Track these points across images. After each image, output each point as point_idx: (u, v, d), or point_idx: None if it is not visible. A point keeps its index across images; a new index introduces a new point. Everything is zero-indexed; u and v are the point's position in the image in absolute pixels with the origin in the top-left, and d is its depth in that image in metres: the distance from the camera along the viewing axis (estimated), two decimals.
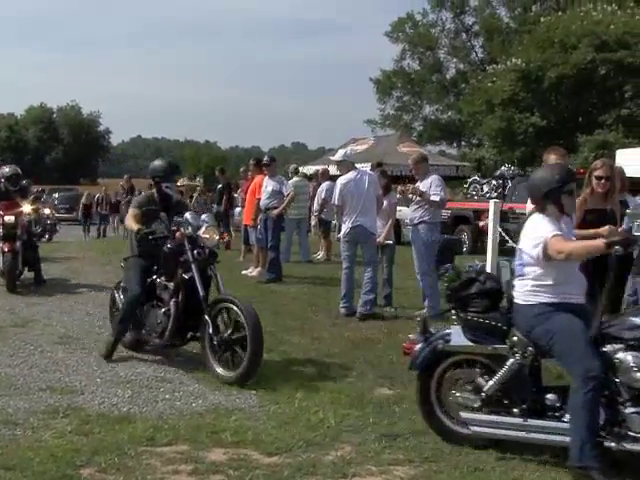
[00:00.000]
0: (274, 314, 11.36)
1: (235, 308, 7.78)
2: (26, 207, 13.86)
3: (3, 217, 13.40)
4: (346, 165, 11.91)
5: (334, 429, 6.30)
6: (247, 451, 5.75)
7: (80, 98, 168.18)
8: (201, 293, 7.94)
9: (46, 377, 7.82)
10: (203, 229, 8.31)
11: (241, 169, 21.58)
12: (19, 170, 14.28)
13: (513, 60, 40.42)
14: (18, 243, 13.37)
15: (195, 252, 8.11)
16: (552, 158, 7.58)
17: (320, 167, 24.18)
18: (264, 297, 12.93)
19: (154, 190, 9.08)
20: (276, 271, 15.17)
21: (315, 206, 19.62)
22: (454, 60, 58.50)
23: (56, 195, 44.45)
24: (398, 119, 57.07)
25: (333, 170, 22.03)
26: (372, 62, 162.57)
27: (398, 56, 57.20)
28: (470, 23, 57.51)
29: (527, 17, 49.53)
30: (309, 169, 25.64)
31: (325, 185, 18.84)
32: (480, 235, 20.29)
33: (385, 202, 12.26)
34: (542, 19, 43.20)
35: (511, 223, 19.07)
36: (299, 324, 10.80)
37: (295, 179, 19.17)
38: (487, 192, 24.98)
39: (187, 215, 8.50)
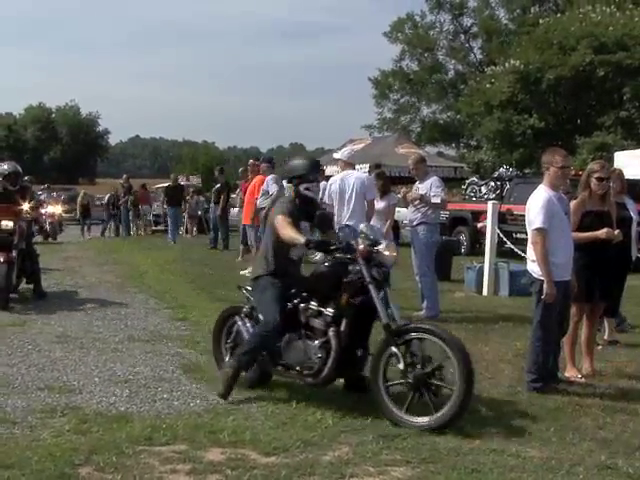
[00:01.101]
0: None
1: (433, 338, 6.42)
2: (24, 206, 12.58)
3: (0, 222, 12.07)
4: (346, 164, 11.92)
5: (332, 429, 6.27)
6: (245, 451, 5.73)
7: (79, 98, 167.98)
8: (384, 320, 6.55)
9: (44, 376, 7.81)
10: (384, 244, 7.05)
11: (240, 170, 21.53)
12: (19, 168, 12.89)
13: (512, 62, 40.43)
14: (14, 252, 11.98)
15: (374, 271, 6.78)
16: (558, 160, 7.57)
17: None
18: None
19: (293, 193, 7.51)
20: None
21: None
22: (453, 61, 58.57)
23: (54, 195, 44.29)
24: (396, 122, 57.01)
25: (330, 171, 22.04)
26: (371, 64, 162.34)
27: (397, 56, 57.25)
28: (469, 24, 57.62)
29: (526, 19, 49.65)
30: None
31: (322, 185, 18.86)
32: (478, 236, 20.34)
33: (383, 203, 12.28)
34: (541, 21, 43.32)
35: (509, 224, 19.15)
36: None
37: None
38: (485, 194, 25.01)
39: (362, 226, 7.46)
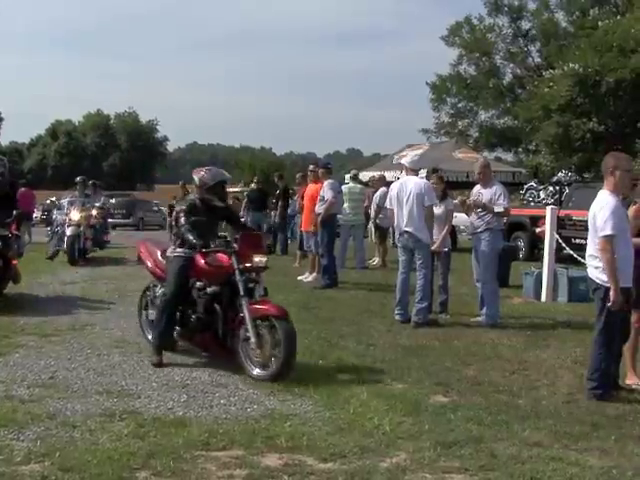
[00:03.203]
0: (329, 320, 11.52)
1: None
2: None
3: None
4: (408, 170, 11.94)
5: (389, 436, 6.25)
6: (302, 457, 5.73)
7: (137, 106, 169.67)
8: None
9: (103, 380, 7.89)
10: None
11: (298, 175, 21.50)
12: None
13: (570, 65, 39.99)
14: None
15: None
16: (624, 163, 7.47)
17: (376, 173, 24.19)
18: (319, 303, 13.11)
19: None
20: (331, 277, 15.20)
21: (372, 212, 19.67)
22: (511, 65, 57.94)
23: (113, 201, 44.81)
24: (453, 126, 56.73)
25: (389, 176, 22.03)
26: (428, 68, 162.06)
27: (455, 61, 56.91)
28: (527, 28, 57.01)
29: (585, 21, 48.83)
30: (364, 175, 25.62)
31: (380, 191, 18.91)
32: (537, 242, 20.13)
33: (441, 208, 12.20)
34: (600, 23, 42.69)
35: (568, 230, 18.92)
36: (354, 330, 10.78)
37: (350, 184, 19.20)
38: (544, 198, 24.80)
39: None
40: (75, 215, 19.42)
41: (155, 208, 51.94)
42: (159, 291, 9.19)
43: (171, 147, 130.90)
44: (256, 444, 5.97)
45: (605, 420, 6.80)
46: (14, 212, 12.24)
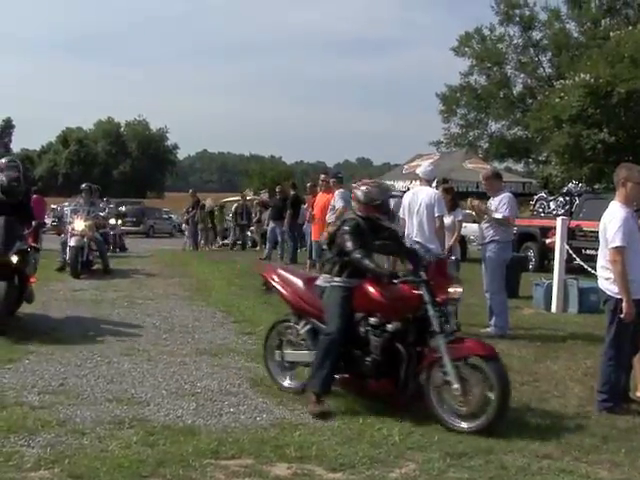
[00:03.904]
0: None
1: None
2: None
3: None
4: (422, 180, 11.96)
5: (398, 446, 6.24)
6: (311, 466, 5.73)
7: (146, 113, 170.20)
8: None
9: (112, 388, 7.89)
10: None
11: (308, 184, 21.47)
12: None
13: (581, 75, 39.78)
14: None
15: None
16: (637, 175, 7.45)
17: (387, 183, 24.20)
18: None
19: None
20: None
21: None
22: (521, 75, 57.84)
23: (123, 208, 44.84)
24: (464, 137, 56.57)
25: (399, 186, 22.02)
26: (437, 78, 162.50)
27: (465, 71, 56.84)
28: (538, 38, 56.90)
29: (596, 31, 48.82)
30: None
31: (391, 201, 18.87)
32: (547, 253, 20.09)
33: (450, 218, 12.18)
34: (612, 33, 42.55)
35: (578, 241, 18.87)
36: None
37: None
38: (554, 209, 24.73)
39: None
40: (79, 225, 18.52)
41: (165, 216, 52.10)
42: (304, 328, 7.80)
43: (181, 155, 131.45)
44: (265, 453, 5.96)
45: (615, 433, 6.77)
46: (32, 222, 11.58)
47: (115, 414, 6.95)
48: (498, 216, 11.33)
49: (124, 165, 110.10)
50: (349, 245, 7.26)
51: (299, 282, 8.04)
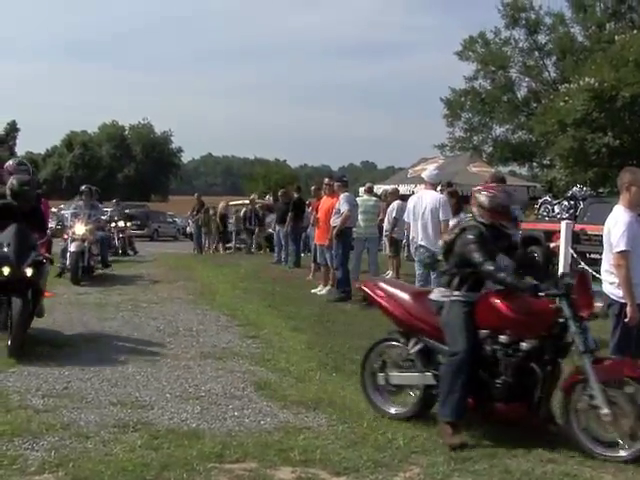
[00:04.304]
0: (343, 333, 11.43)
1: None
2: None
3: None
4: (427, 184, 11.92)
5: (403, 450, 6.23)
6: (315, 470, 5.74)
7: (151, 116, 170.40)
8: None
9: (117, 391, 7.90)
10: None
11: (312, 188, 21.47)
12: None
13: (586, 79, 39.78)
14: None
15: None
16: None
17: (390, 187, 24.19)
18: (333, 316, 13.06)
19: None
20: (345, 290, 15.19)
21: (386, 225, 19.67)
22: (526, 79, 57.95)
23: (127, 211, 44.86)
24: (468, 141, 56.72)
25: (403, 189, 22.01)
26: (442, 81, 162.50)
27: (470, 75, 56.85)
28: (543, 42, 57.02)
29: (601, 35, 48.99)
30: (379, 188, 25.62)
31: (395, 204, 18.99)
32: (551, 257, 20.02)
33: (454, 222, 12.05)
34: (617, 37, 42.74)
35: (583, 245, 18.82)
36: (368, 344, 10.57)
37: (364, 197, 19.20)
38: (558, 213, 24.67)
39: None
40: (79, 229, 17.98)
41: (170, 219, 52.17)
42: (414, 347, 7.16)
43: (185, 159, 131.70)
44: (269, 457, 5.97)
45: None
46: (47, 231, 11.28)
47: (119, 417, 6.97)
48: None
49: (128, 168, 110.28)
50: (477, 256, 6.67)
51: (406, 296, 7.40)
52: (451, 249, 7.01)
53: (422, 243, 11.23)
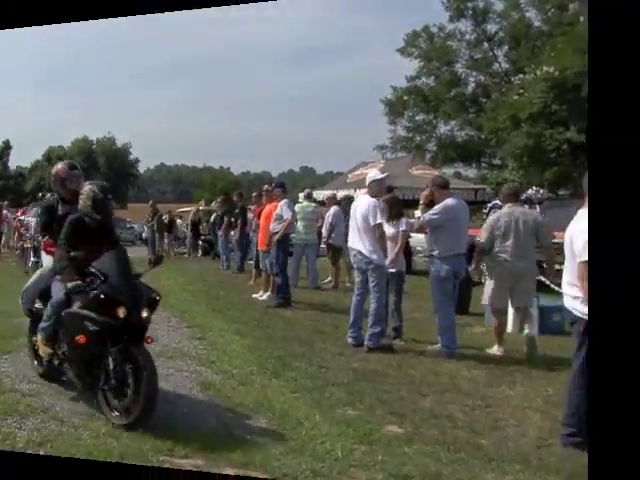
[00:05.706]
0: (282, 339, 11.78)
1: None
2: None
3: None
4: (369, 189, 11.65)
5: (342, 462, 6.22)
6: (257, 474, 5.90)
7: (114, 131, 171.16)
8: None
9: None
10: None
11: (253, 194, 21.79)
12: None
13: (544, 68, 36.67)
14: None
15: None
16: None
17: (329, 192, 24.11)
18: (272, 322, 13.43)
19: None
20: (284, 296, 15.52)
21: (324, 232, 19.80)
22: (474, 73, 52.97)
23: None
24: (410, 141, 52.78)
25: (342, 195, 22.27)
26: (384, 80, 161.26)
27: (413, 74, 52.90)
28: (493, 31, 51.74)
29: (562, 17, 44.34)
30: (318, 194, 25.40)
31: (332, 210, 19.27)
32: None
33: (393, 229, 11.87)
34: (581, 18, 38.41)
35: (538, 253, 18.79)
36: (306, 350, 10.87)
37: (303, 203, 19.48)
38: None
39: None
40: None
41: (128, 225, 53.70)
42: None
43: (141, 168, 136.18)
44: (214, 457, 6.30)
45: (582, 470, 5.50)
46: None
47: (89, 405, 7.65)
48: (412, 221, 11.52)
49: (94, 178, 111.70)
50: None
51: None
52: None
53: (358, 249, 11.08)
